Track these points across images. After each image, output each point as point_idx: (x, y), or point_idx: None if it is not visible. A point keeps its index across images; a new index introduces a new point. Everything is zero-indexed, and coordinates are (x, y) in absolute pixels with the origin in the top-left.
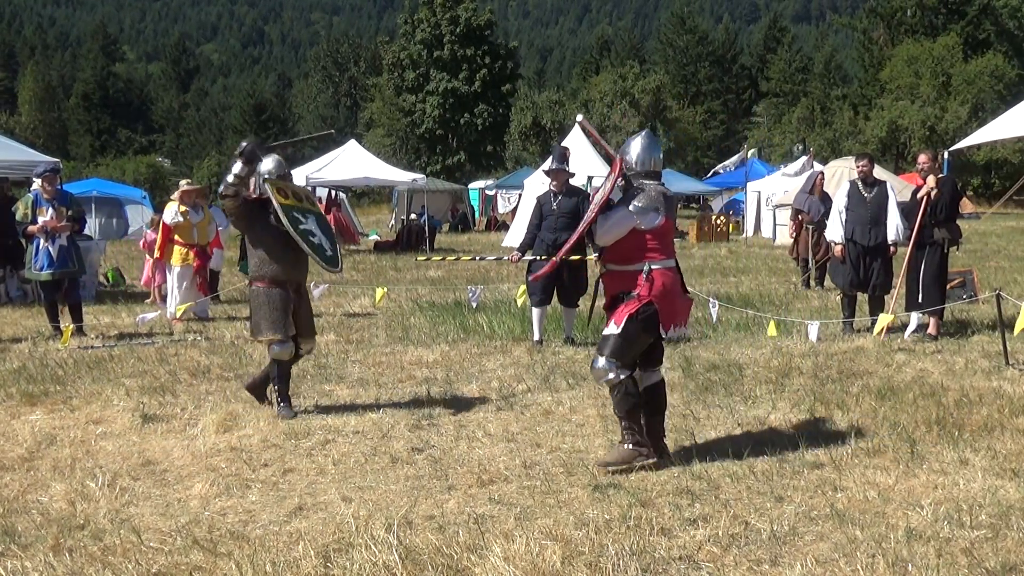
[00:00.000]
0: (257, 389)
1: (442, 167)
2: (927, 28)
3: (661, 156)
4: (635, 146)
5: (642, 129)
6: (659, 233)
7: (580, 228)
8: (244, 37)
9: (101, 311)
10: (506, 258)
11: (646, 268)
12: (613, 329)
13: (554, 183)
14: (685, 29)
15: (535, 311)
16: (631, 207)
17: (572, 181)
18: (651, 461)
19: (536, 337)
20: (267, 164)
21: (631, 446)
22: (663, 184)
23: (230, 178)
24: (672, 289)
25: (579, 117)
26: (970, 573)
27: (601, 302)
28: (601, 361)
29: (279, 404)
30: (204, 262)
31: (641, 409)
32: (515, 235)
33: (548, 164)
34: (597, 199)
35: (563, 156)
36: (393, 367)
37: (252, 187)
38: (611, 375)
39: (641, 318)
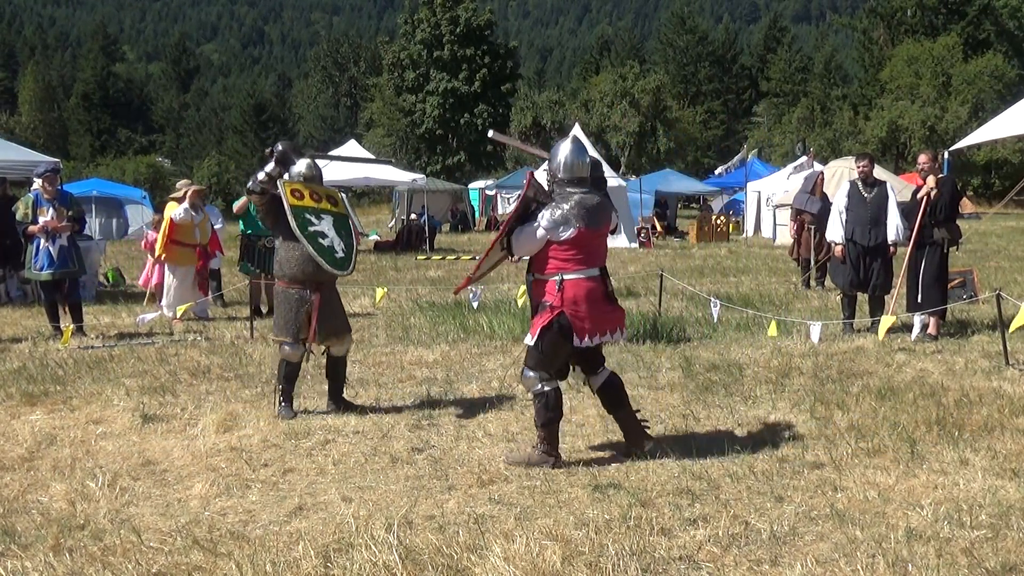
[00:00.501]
0: (336, 398)
1: (442, 167)
2: (927, 28)
3: (588, 161)
4: (561, 152)
5: (569, 135)
6: (575, 244)
7: (494, 240)
8: (244, 37)
9: (101, 311)
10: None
11: (558, 279)
12: (529, 340)
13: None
14: (685, 29)
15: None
16: (538, 224)
17: None
18: (555, 468)
19: None
20: (298, 167)
21: (540, 453)
22: (590, 191)
23: (261, 175)
24: (587, 298)
25: (490, 133)
26: (970, 573)
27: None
28: (529, 372)
29: (280, 404)
30: (205, 262)
31: (557, 423)
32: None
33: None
34: (511, 212)
35: None
36: (393, 367)
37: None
38: (538, 385)
39: (555, 329)
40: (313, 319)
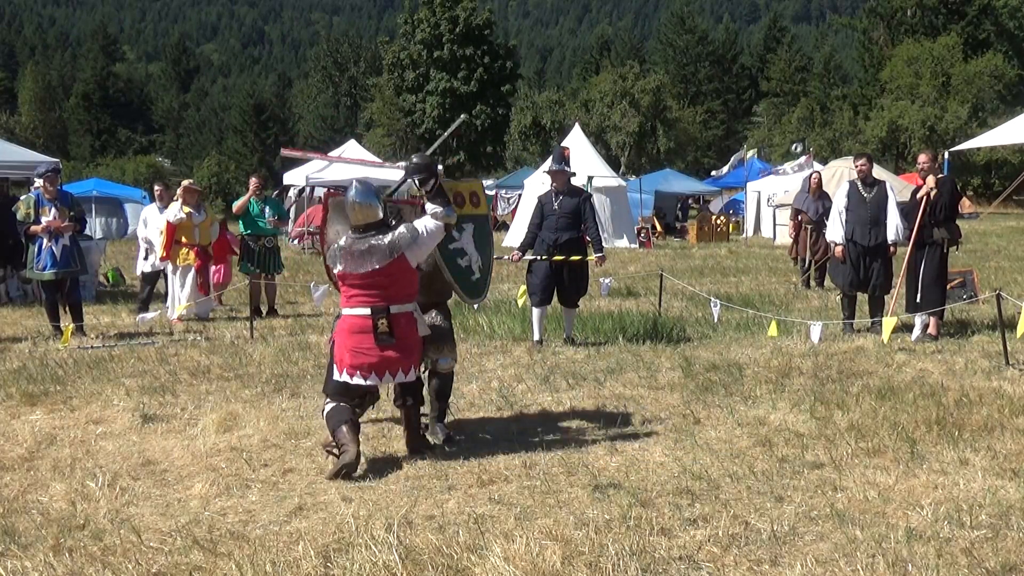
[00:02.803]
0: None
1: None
2: (927, 28)
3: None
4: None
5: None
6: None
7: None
8: (244, 37)
9: (101, 311)
10: (506, 257)
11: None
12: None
13: (555, 183)
14: (685, 29)
15: (535, 311)
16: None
17: (573, 181)
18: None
19: (536, 337)
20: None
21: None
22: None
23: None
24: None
25: (282, 151)
26: (970, 573)
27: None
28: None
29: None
30: (205, 262)
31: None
32: (516, 235)
33: (548, 165)
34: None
35: (563, 156)
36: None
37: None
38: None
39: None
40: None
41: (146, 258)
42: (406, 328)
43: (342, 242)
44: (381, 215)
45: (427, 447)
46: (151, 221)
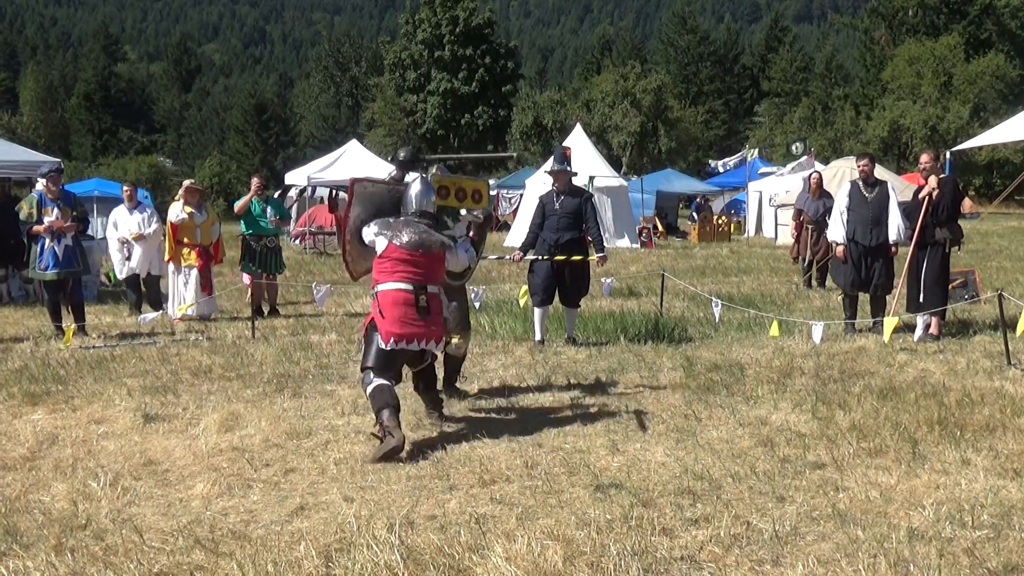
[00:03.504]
0: (449, 385)
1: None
2: (929, 28)
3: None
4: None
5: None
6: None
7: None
8: (245, 37)
9: (103, 311)
10: (508, 257)
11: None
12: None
13: (556, 183)
14: (686, 29)
15: (537, 311)
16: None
17: (574, 181)
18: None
19: (538, 337)
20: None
21: (392, 430)
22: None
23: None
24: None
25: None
26: (972, 573)
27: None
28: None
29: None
30: (207, 262)
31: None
32: (517, 235)
33: (550, 165)
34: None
35: (564, 157)
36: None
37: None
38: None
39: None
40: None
41: (128, 259)
42: (438, 303)
43: (393, 220)
44: (435, 210)
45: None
46: (121, 223)
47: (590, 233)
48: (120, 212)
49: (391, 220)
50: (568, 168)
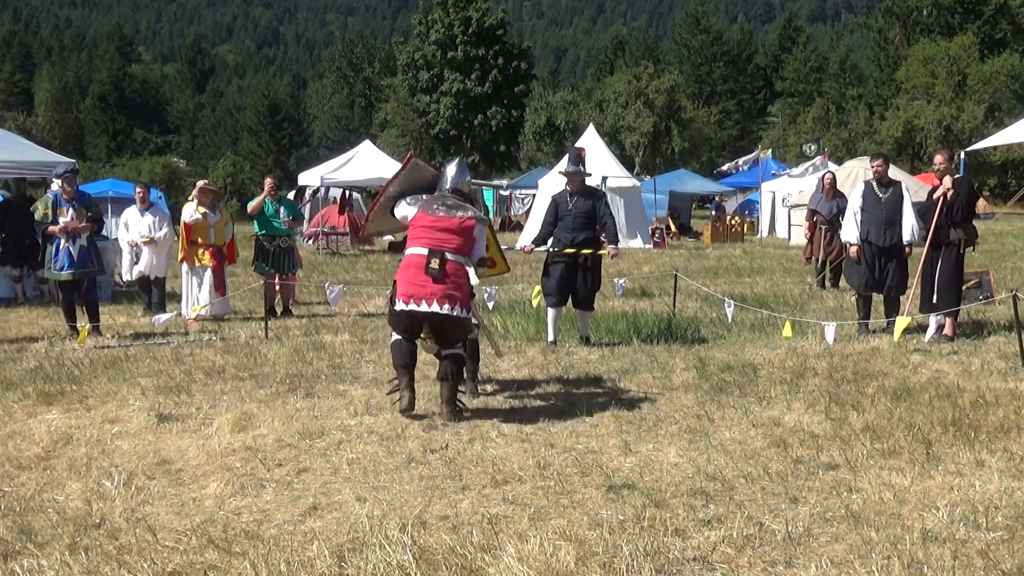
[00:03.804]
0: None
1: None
2: (943, 28)
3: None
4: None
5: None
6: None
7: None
8: (259, 38)
9: (117, 311)
10: (518, 247)
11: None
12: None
13: (570, 184)
14: (700, 29)
15: (551, 312)
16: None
17: (587, 181)
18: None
19: (550, 338)
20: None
21: (402, 391)
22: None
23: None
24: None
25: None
26: (986, 575)
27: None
28: None
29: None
30: (220, 262)
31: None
32: (529, 235)
33: (563, 166)
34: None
35: (578, 158)
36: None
37: None
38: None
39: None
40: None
41: (136, 263)
42: (458, 272)
43: (427, 196)
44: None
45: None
46: (132, 225)
47: (605, 229)
48: (131, 213)
49: (424, 196)
50: (582, 169)
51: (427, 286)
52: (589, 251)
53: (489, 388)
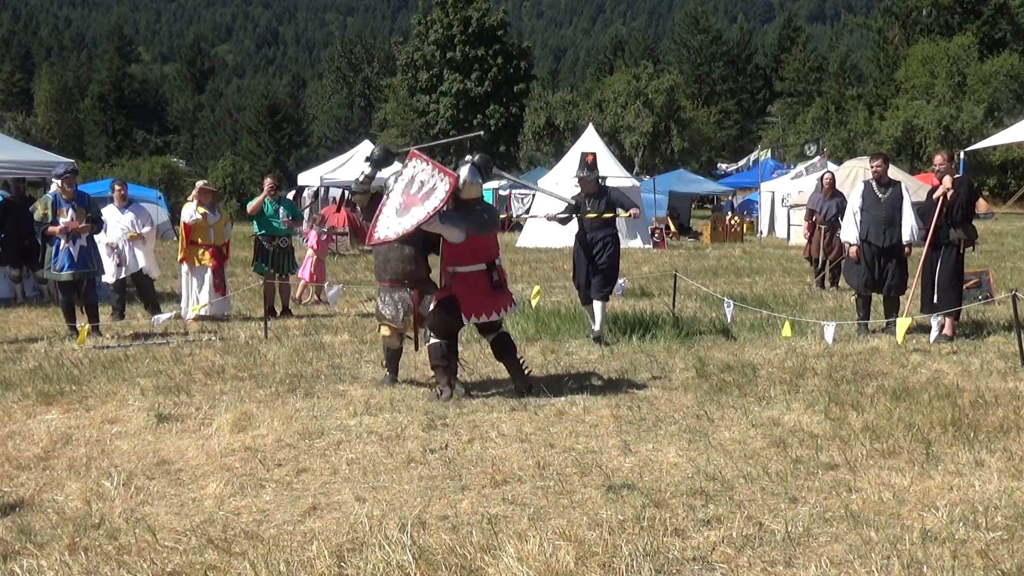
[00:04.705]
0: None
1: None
2: (942, 28)
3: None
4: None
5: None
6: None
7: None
8: (259, 38)
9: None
10: (544, 216)
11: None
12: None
13: (584, 189)
14: (699, 29)
15: (586, 308)
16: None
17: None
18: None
19: (595, 328)
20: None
21: (443, 387)
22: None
23: (361, 178)
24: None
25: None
26: (985, 575)
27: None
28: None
29: (385, 373)
30: (220, 262)
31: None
32: (529, 236)
33: (576, 171)
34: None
35: (587, 164)
36: (407, 367)
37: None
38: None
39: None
40: (413, 311)
41: (121, 265)
42: (504, 274)
43: (456, 212)
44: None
45: (530, 386)
46: (112, 224)
47: (621, 205)
48: (110, 212)
49: (453, 212)
50: (595, 174)
51: (492, 297)
52: (609, 215)
53: (488, 387)
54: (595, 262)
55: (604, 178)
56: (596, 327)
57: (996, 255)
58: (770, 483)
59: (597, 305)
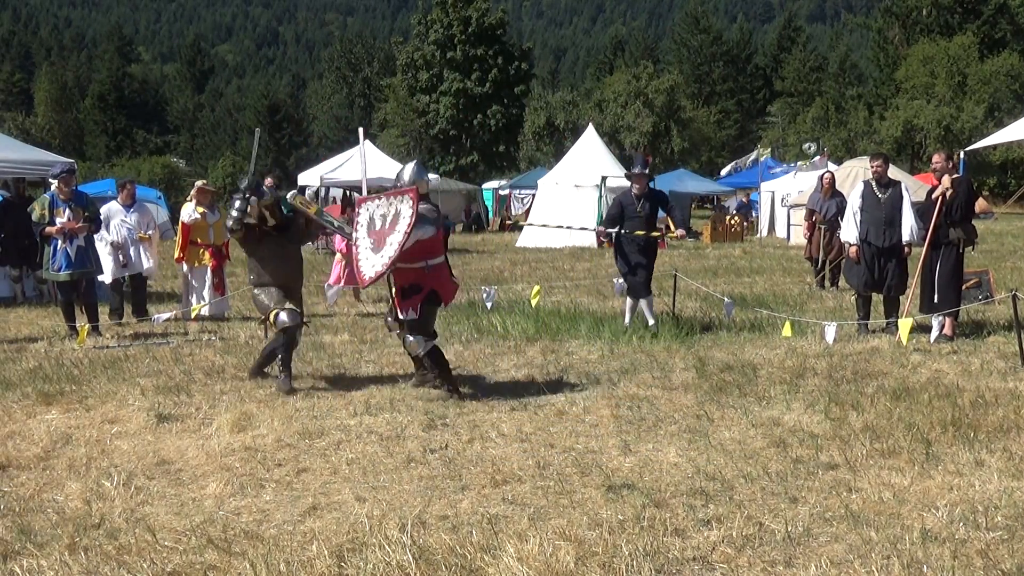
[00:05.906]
0: (258, 370)
1: (455, 167)
2: (943, 27)
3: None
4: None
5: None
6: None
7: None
8: (259, 38)
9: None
10: (591, 229)
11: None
12: (412, 315)
13: (636, 186)
14: (699, 29)
15: (629, 301)
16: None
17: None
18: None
19: (651, 322)
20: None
21: (449, 387)
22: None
23: (236, 214)
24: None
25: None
26: (985, 575)
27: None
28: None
29: (281, 375)
30: (220, 262)
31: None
32: (530, 236)
33: (632, 168)
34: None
35: (645, 162)
36: (407, 367)
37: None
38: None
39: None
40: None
41: (125, 266)
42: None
43: (425, 212)
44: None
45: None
46: (116, 223)
47: (672, 215)
48: (115, 210)
49: (424, 213)
50: (647, 172)
51: (453, 284)
52: (657, 233)
53: (488, 388)
54: (641, 261)
55: (653, 179)
56: (651, 320)
57: (996, 255)
58: (770, 483)
59: (643, 302)
